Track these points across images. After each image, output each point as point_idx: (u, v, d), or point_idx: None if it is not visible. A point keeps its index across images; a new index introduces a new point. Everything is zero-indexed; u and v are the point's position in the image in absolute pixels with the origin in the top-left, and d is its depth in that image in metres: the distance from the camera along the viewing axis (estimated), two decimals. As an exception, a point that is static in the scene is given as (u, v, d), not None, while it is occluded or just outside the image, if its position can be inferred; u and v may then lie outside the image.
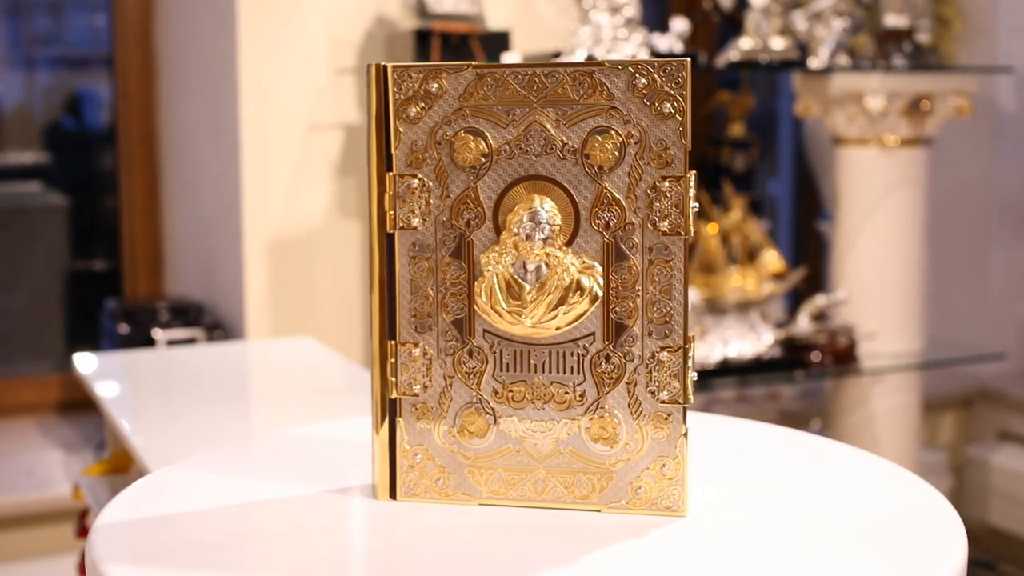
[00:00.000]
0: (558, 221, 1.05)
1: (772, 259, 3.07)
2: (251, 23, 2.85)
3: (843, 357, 2.97)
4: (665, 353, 1.05)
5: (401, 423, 1.11)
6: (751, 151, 3.35)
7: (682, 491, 1.05)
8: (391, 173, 1.09)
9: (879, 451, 2.63)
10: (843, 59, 3.00)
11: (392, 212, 1.09)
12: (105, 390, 2.14)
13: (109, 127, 3.55)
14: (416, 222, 1.09)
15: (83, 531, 2.17)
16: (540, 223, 1.05)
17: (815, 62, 2.98)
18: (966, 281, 3.89)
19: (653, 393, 1.05)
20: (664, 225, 1.04)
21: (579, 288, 1.05)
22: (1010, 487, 3.66)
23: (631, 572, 0.95)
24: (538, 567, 0.96)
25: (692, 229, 1.05)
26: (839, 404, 3.20)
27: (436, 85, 1.08)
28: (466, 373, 1.09)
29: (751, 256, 3.09)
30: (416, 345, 1.10)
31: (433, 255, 1.09)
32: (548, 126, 1.05)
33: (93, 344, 3.32)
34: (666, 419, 1.05)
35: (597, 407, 1.07)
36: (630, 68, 1.03)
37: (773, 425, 1.34)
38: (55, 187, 3.63)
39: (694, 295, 2.93)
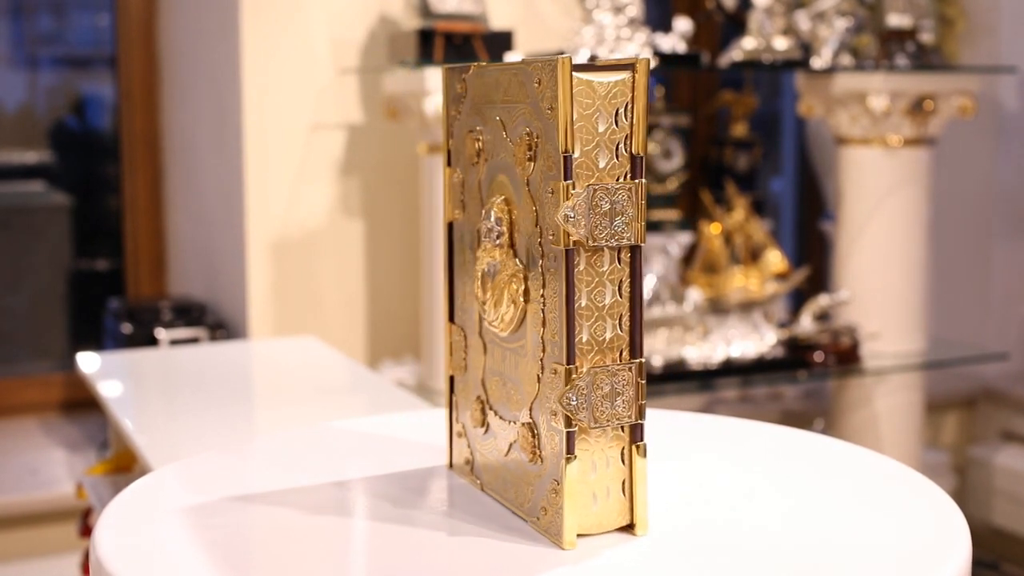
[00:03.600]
0: (504, 223, 1.04)
1: (775, 259, 3.07)
2: (254, 23, 2.85)
3: (846, 357, 2.96)
4: (552, 373, 0.97)
5: (454, 400, 1.17)
6: (754, 151, 3.35)
7: (560, 521, 0.97)
8: (448, 168, 1.15)
9: (882, 451, 2.62)
10: (846, 59, 2.99)
11: (448, 204, 1.15)
12: (108, 389, 2.15)
13: (112, 127, 3.55)
14: (458, 214, 1.14)
15: (86, 530, 2.17)
16: (490, 224, 1.05)
17: (818, 62, 2.97)
18: (969, 281, 3.89)
19: (548, 412, 0.99)
20: (550, 235, 0.96)
21: (511, 292, 1.03)
22: (1013, 487, 3.66)
23: None
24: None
25: (583, 241, 0.94)
26: (842, 404, 3.20)
27: (461, 85, 1.11)
28: (476, 363, 1.12)
29: (754, 256, 3.09)
30: (460, 330, 1.15)
31: (465, 246, 1.13)
32: (504, 125, 1.04)
33: (96, 344, 3.32)
34: (556, 441, 0.98)
35: (525, 416, 1.03)
36: (529, 68, 0.97)
37: (776, 425, 1.34)
38: (58, 187, 3.63)
39: (697, 295, 2.92)
